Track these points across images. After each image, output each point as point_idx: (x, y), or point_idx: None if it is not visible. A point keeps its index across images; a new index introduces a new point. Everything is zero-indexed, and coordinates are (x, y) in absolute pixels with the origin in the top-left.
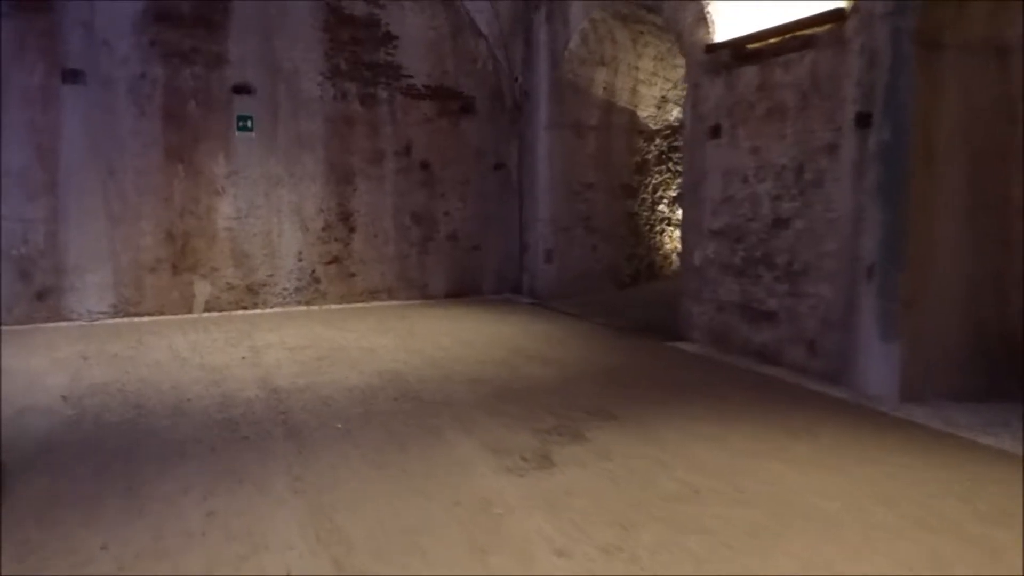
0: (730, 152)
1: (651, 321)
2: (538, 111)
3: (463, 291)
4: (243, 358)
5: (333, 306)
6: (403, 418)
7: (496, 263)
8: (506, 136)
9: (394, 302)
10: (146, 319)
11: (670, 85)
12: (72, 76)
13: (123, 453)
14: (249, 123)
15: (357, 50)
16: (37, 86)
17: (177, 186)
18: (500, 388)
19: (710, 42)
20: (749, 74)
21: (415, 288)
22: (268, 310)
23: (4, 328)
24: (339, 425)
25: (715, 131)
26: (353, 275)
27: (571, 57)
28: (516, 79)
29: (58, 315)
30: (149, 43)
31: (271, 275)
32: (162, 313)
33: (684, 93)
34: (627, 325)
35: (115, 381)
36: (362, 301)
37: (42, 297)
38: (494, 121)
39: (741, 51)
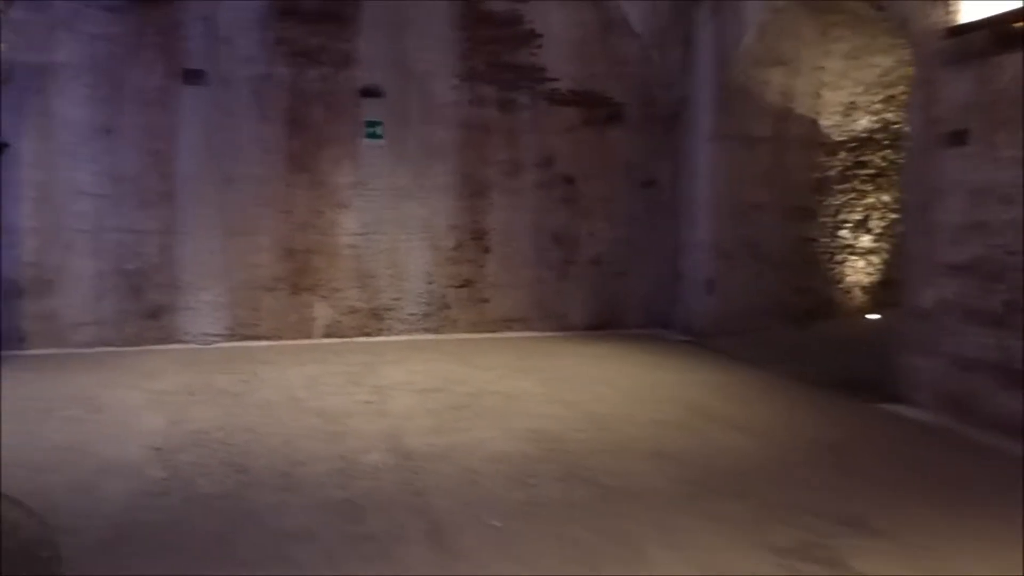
0: (982, 164)
1: (847, 373)
2: (699, 120)
3: (605, 323)
4: (367, 403)
5: (463, 335)
6: (580, 516)
7: (643, 292)
8: (659, 149)
9: (529, 333)
10: (262, 344)
11: (860, 88)
12: (192, 76)
13: (213, 547)
14: (378, 129)
15: (496, 50)
16: (155, 87)
17: (298, 197)
18: (697, 470)
19: (954, 23)
20: (1016, 63)
21: (553, 318)
22: (393, 337)
23: (115, 349)
24: (496, 523)
25: (957, 138)
26: (486, 301)
27: (743, 57)
28: (672, 84)
29: (170, 336)
30: (274, 41)
31: (397, 298)
32: (279, 338)
33: (876, 98)
34: (817, 378)
35: (219, 428)
36: (494, 331)
37: (154, 316)
38: (646, 131)
39: (1005, 32)
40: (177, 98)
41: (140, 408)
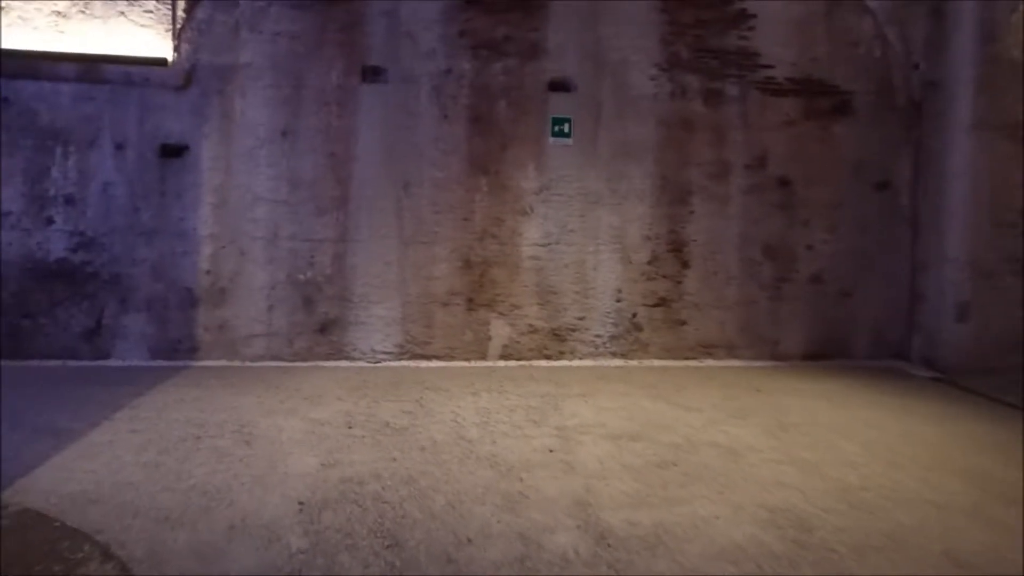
0: None
1: None
2: (953, 108)
3: (826, 352)
4: (550, 451)
5: (656, 362)
6: None
7: (873, 317)
8: (895, 145)
9: (734, 362)
10: (433, 364)
11: None
12: (373, 74)
13: None
14: (566, 127)
15: (702, 34)
16: (334, 86)
17: (479, 203)
18: None
19: None
20: None
21: (763, 344)
22: (576, 362)
23: (284, 364)
24: None
25: None
26: (683, 323)
27: (1020, 25)
28: (916, 66)
29: (340, 352)
30: (458, 33)
31: (582, 317)
32: (451, 358)
33: None
34: None
35: (375, 476)
36: (693, 357)
37: (325, 330)
38: (879, 124)
39: None
40: (355, 98)
41: (293, 443)
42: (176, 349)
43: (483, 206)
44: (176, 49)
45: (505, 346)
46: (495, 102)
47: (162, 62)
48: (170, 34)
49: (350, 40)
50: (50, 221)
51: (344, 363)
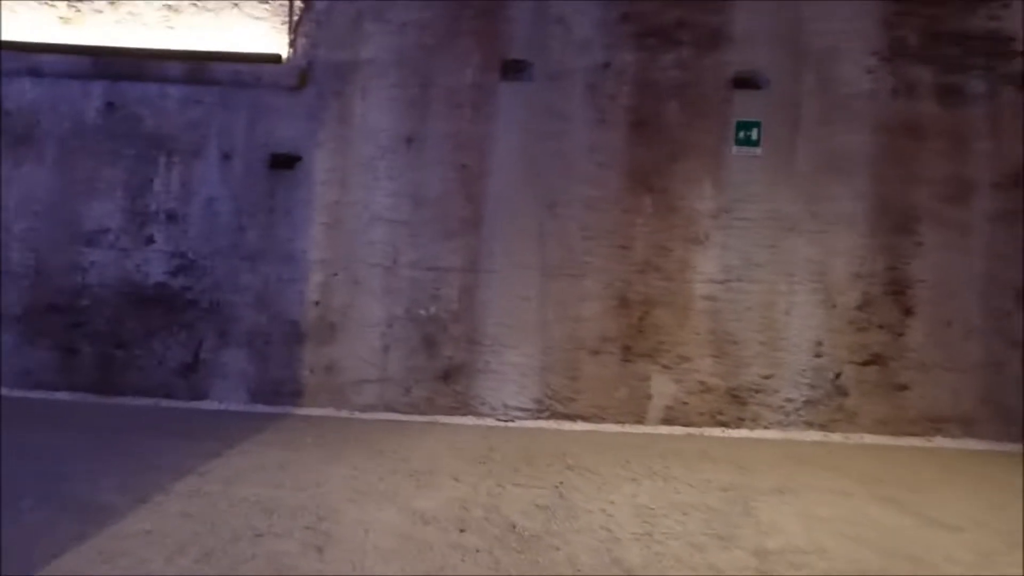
0: None
1: None
2: None
3: None
4: None
5: (866, 437)
6: None
7: None
8: None
9: (973, 442)
10: (578, 426)
11: None
12: (514, 69)
13: None
14: (753, 133)
15: (937, 13)
16: (468, 84)
17: (640, 228)
18: None
19: None
20: None
21: (1012, 421)
22: (759, 432)
23: (398, 417)
24: None
25: None
26: (904, 388)
27: None
28: None
29: (465, 406)
30: (619, 18)
31: (769, 376)
32: (601, 419)
33: None
34: None
35: None
36: (916, 434)
37: (448, 378)
38: None
39: None
40: (493, 98)
41: (378, 555)
42: (278, 392)
43: (645, 232)
44: (291, 44)
45: (669, 408)
46: (664, 103)
47: (275, 58)
48: (286, 27)
49: (488, 29)
50: (150, 240)
51: (469, 419)
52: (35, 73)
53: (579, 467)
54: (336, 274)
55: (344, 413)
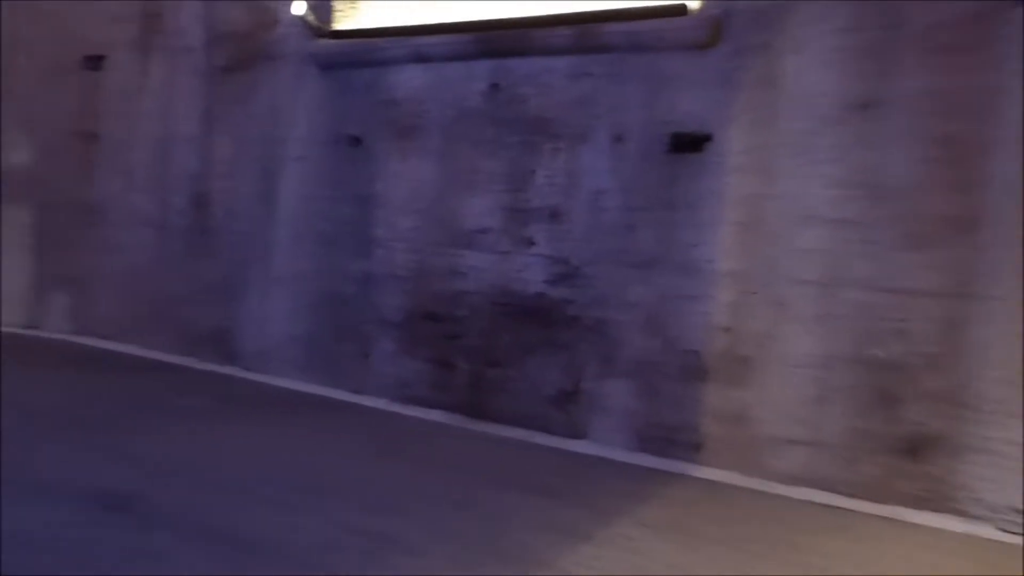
0: None
1: None
2: None
3: None
4: None
5: None
6: None
7: None
8: None
9: None
10: None
11: None
12: None
13: None
14: None
15: None
16: (959, 19)
17: None
18: None
19: None
20: None
21: None
22: None
23: (834, 500)
24: None
25: None
26: None
27: None
28: None
29: (942, 499)
30: None
31: None
32: None
33: None
34: None
35: None
36: None
37: (916, 454)
38: None
39: None
40: (1001, 33)
41: None
42: (670, 441)
43: None
44: None
45: None
46: None
47: (680, 10)
48: None
49: None
50: (530, 242)
51: (950, 520)
52: (420, 58)
53: None
54: (753, 292)
55: (757, 482)
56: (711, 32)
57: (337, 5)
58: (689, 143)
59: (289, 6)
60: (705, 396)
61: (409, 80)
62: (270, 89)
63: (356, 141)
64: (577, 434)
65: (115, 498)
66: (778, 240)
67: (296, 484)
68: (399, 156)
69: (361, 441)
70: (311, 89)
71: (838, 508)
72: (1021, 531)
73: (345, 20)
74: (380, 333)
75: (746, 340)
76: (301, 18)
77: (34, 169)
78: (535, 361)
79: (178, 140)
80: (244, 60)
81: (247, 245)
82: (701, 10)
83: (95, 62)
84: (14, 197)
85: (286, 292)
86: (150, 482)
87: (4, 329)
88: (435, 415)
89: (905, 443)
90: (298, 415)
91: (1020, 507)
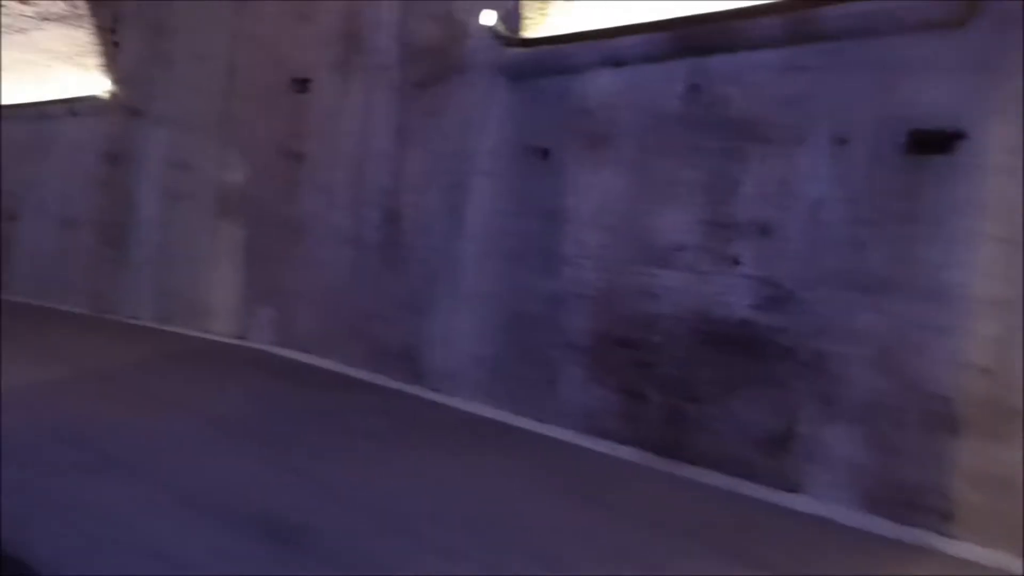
0: None
1: None
2: None
3: None
4: None
5: None
6: None
7: None
8: None
9: None
10: None
11: None
12: None
13: None
14: None
15: None
16: None
17: None
18: None
19: None
20: None
21: None
22: None
23: None
24: None
25: None
26: None
27: None
28: None
29: None
30: None
31: None
32: None
33: None
34: None
35: None
36: None
37: None
38: None
39: None
40: None
41: None
42: (911, 506)
43: None
44: None
45: None
46: None
47: None
48: None
49: None
50: (735, 261)
51: None
52: (613, 62)
53: None
54: (1022, 325)
55: None
56: (965, 6)
57: (527, 12)
58: (934, 142)
59: (479, 18)
60: (957, 453)
61: (601, 86)
62: (460, 102)
63: (544, 153)
64: (789, 486)
65: (282, 527)
66: None
67: (471, 527)
68: (589, 167)
69: (543, 479)
70: (500, 100)
71: None
72: None
73: (535, 27)
74: (567, 358)
75: (1014, 386)
76: (491, 28)
77: (246, 188)
78: (740, 397)
79: (373, 156)
80: (436, 75)
81: (435, 261)
82: None
83: (302, 84)
84: (229, 214)
85: (472, 310)
86: (321, 513)
87: (215, 339)
88: (624, 451)
89: None
90: (480, 445)
91: None
